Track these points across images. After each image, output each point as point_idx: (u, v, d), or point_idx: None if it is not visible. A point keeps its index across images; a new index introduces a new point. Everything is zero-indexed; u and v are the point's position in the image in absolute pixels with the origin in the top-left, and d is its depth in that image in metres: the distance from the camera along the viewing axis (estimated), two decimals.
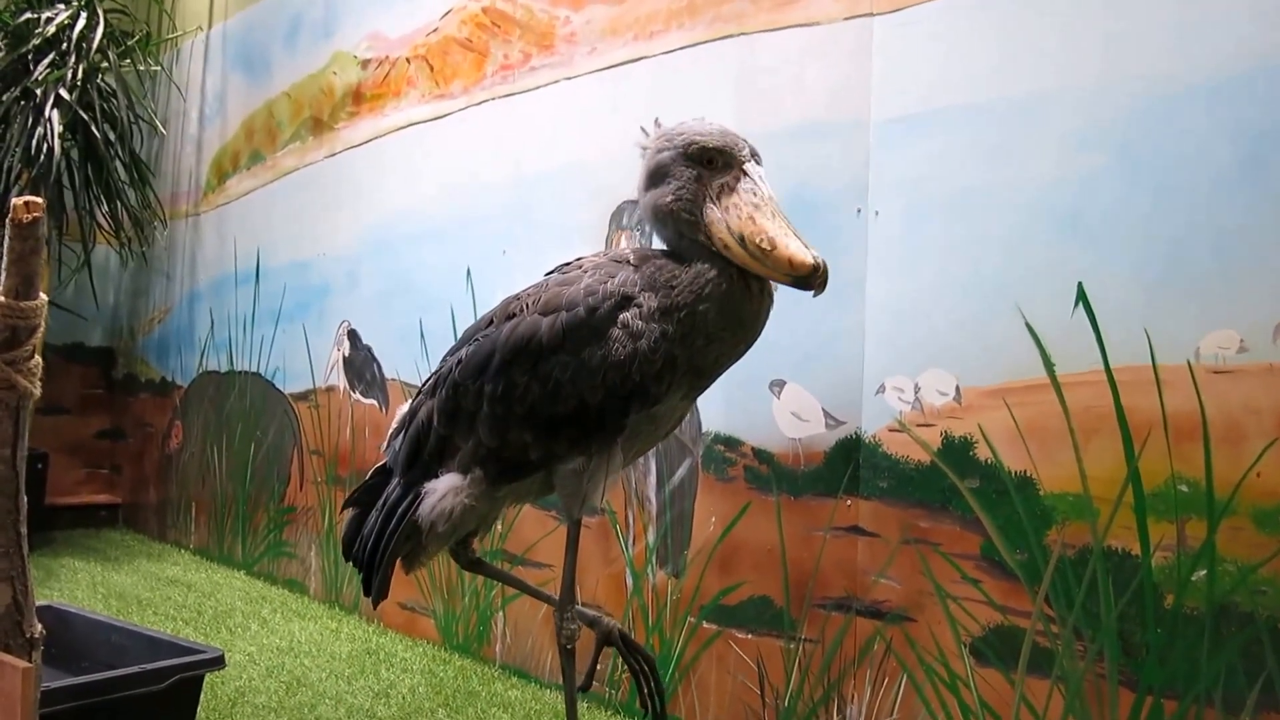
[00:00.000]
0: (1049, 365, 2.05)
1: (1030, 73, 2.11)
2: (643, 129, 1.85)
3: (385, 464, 2.20)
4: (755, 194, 1.72)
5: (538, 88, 3.14)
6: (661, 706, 2.07)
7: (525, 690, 2.94)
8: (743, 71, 2.60)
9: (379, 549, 2.13)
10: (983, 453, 2.14)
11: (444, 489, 2.02)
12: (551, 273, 1.99)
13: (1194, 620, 1.87)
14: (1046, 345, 2.06)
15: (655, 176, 1.80)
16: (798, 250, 1.66)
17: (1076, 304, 2.02)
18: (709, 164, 1.75)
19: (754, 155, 1.78)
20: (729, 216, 1.71)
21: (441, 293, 3.43)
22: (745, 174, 1.74)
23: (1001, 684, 2.10)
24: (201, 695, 2.47)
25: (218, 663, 2.41)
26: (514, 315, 1.91)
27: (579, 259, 1.98)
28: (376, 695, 2.85)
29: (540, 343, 1.84)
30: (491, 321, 1.98)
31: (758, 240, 1.68)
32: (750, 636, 2.52)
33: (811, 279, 1.65)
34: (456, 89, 3.46)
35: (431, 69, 3.56)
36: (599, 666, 2.81)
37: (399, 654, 3.25)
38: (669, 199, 1.77)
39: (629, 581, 2.80)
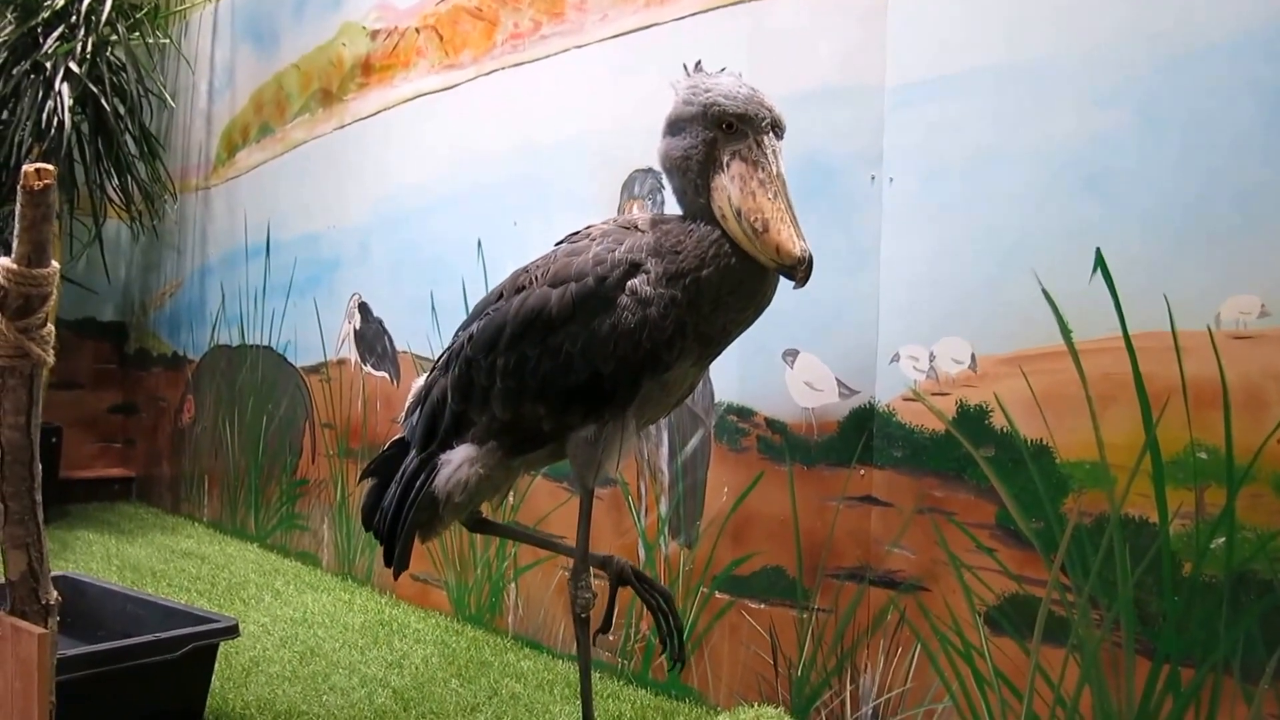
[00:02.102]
0: (1066, 332, 2.03)
1: (1046, 32, 2.08)
2: (684, 66, 1.81)
3: (403, 436, 2.20)
4: (763, 169, 1.70)
5: (548, 56, 3.12)
6: (681, 643, 2.08)
7: (538, 660, 2.95)
8: (755, 36, 2.57)
9: (398, 521, 2.14)
10: (998, 421, 2.12)
11: (459, 460, 2.03)
12: (561, 243, 1.98)
13: (1212, 588, 1.86)
14: (1063, 311, 2.04)
15: (675, 126, 1.78)
16: (787, 239, 1.65)
17: (1095, 270, 2.00)
18: (727, 129, 1.72)
19: (774, 127, 1.74)
20: (732, 187, 1.70)
21: (452, 264, 3.42)
22: (759, 146, 1.71)
23: (1016, 653, 2.09)
24: (216, 664, 2.49)
25: (232, 632, 2.42)
26: (523, 288, 1.91)
27: (588, 227, 1.97)
28: (389, 665, 2.86)
29: (550, 315, 1.84)
30: (501, 295, 1.97)
31: (752, 219, 1.67)
32: (763, 606, 2.52)
33: (795, 270, 1.65)
34: (466, 59, 3.44)
35: (441, 39, 3.53)
36: (612, 637, 2.82)
37: (411, 625, 3.26)
38: (679, 155, 1.76)
39: (641, 553, 2.80)
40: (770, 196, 1.68)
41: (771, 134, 1.73)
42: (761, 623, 2.52)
